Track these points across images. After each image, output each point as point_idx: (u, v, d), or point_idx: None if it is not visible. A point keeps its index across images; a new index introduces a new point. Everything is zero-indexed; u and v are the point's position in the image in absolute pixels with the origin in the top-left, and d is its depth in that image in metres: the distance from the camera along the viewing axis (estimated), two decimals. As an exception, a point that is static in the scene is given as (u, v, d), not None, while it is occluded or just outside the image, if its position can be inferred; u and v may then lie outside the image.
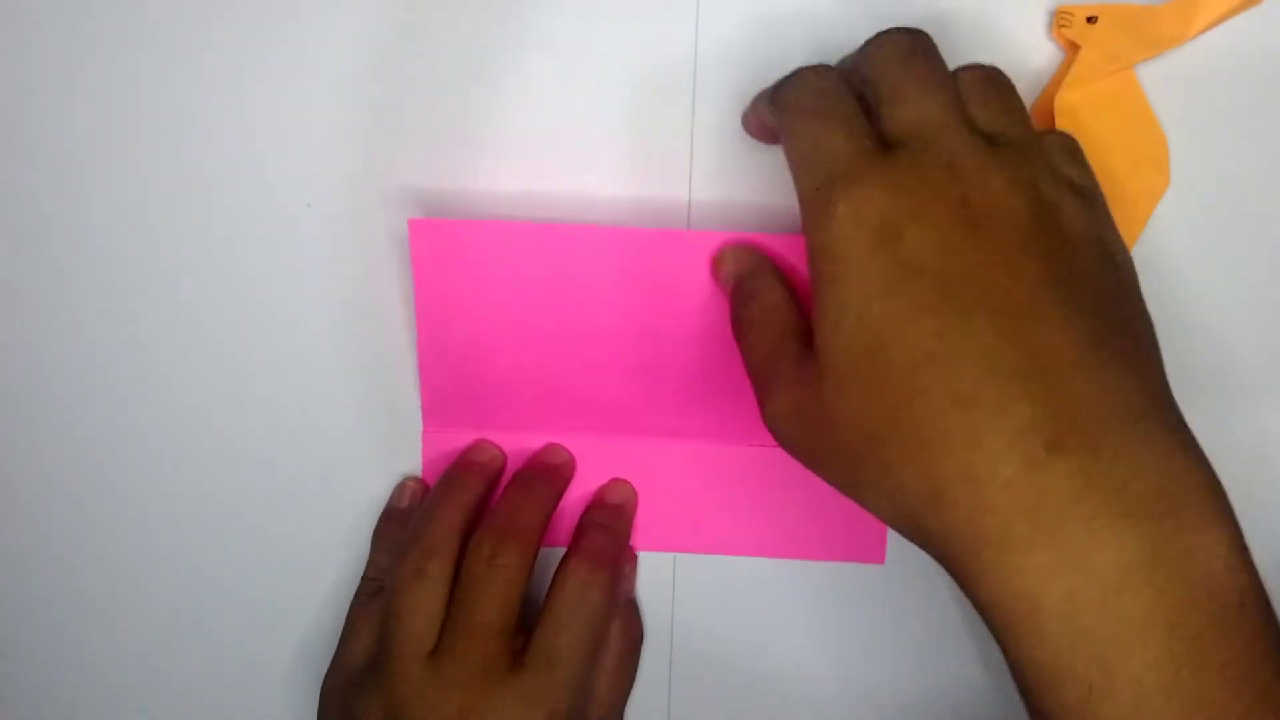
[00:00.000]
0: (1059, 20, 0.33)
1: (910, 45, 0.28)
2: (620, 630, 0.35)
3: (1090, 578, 0.22)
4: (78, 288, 0.37)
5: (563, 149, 0.35)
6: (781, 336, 0.29)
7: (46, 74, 0.36)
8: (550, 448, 0.36)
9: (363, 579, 0.36)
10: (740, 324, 0.30)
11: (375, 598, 0.34)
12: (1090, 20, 0.33)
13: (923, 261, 0.25)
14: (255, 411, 0.37)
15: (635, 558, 0.37)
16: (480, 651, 0.31)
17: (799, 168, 0.27)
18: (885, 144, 0.26)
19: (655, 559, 0.37)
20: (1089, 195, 0.27)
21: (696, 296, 0.33)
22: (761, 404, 0.28)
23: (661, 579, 0.37)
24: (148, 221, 0.36)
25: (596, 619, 0.33)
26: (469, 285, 0.33)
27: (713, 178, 0.35)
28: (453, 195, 0.36)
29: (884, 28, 0.29)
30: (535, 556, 0.33)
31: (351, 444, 0.37)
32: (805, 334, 0.28)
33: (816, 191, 0.26)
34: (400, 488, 0.36)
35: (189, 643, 0.38)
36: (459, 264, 0.33)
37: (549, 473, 0.35)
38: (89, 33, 0.36)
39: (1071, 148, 0.28)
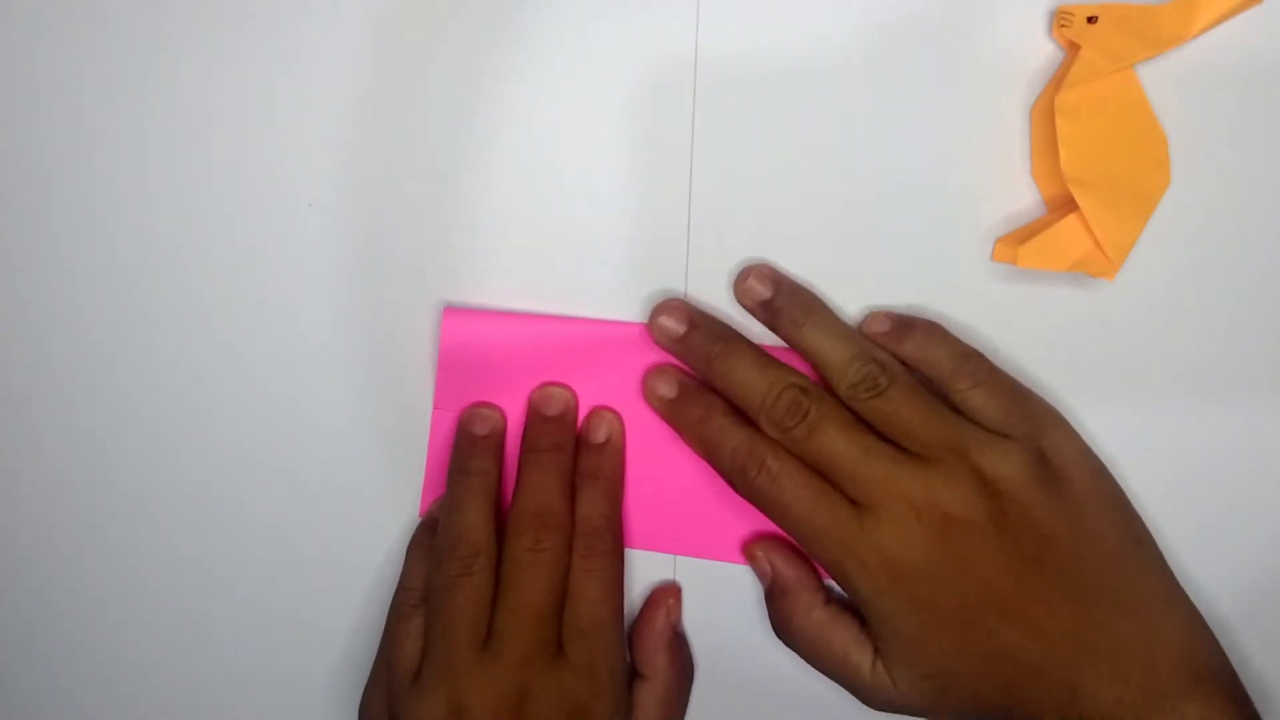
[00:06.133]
0: (1059, 20, 0.33)
1: (856, 431, 0.32)
2: (666, 663, 0.35)
3: None
4: (79, 287, 0.37)
5: (563, 148, 0.35)
6: (839, 648, 0.33)
7: (50, 76, 0.36)
8: (547, 398, 0.35)
9: (401, 589, 0.35)
10: (788, 638, 0.34)
11: (418, 608, 0.34)
12: (1090, 20, 0.33)
13: (935, 598, 0.31)
14: (256, 411, 0.37)
15: (679, 591, 0.37)
16: (535, 633, 0.33)
17: (805, 546, 0.33)
18: (853, 502, 0.32)
19: (655, 559, 0.37)
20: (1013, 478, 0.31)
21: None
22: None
23: (661, 579, 0.37)
24: (149, 221, 0.36)
25: (607, 582, 0.34)
26: (490, 367, 0.35)
27: (713, 177, 0.35)
28: (452, 195, 0.36)
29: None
30: (572, 528, 0.34)
31: (356, 443, 0.37)
32: (853, 626, 0.33)
33: (838, 560, 0.32)
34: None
35: (189, 642, 0.38)
36: (484, 350, 0.35)
37: (557, 432, 0.35)
38: (91, 36, 0.36)
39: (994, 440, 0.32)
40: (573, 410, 0.36)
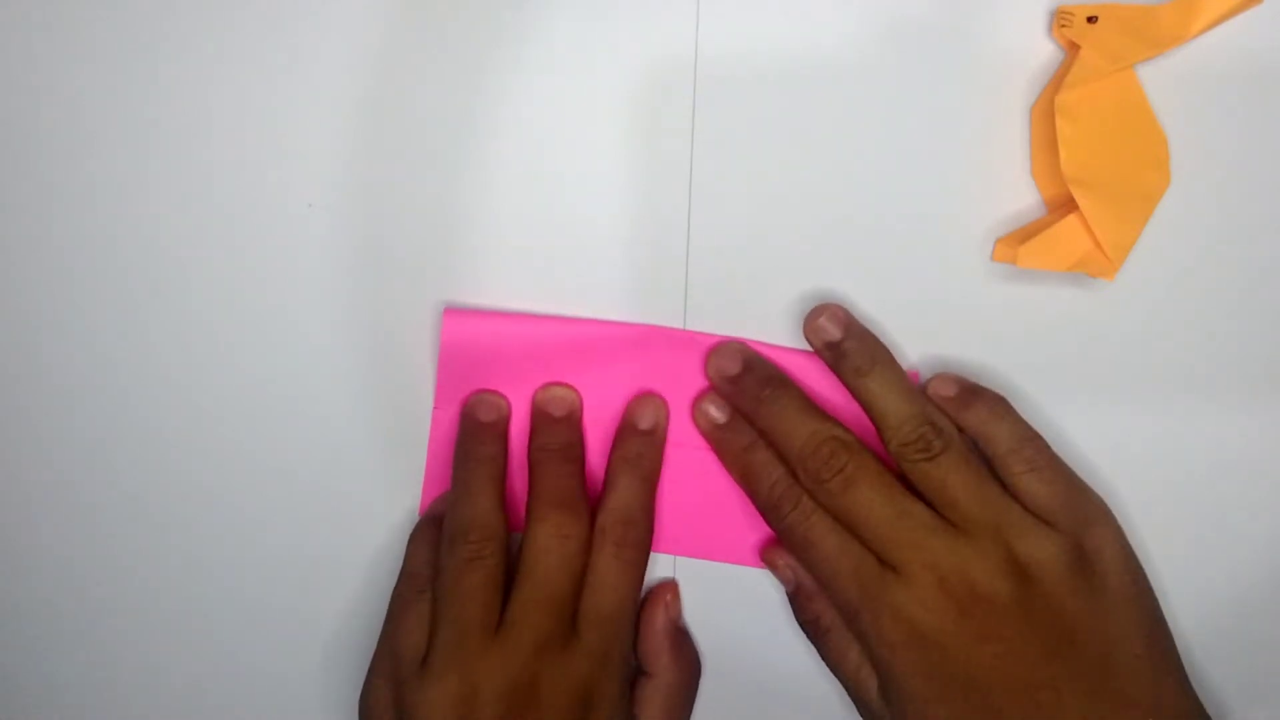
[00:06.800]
0: (1059, 20, 0.33)
1: (886, 488, 0.32)
2: (670, 660, 0.35)
3: None
4: (79, 287, 0.37)
5: (562, 148, 0.35)
6: (854, 661, 0.33)
7: (50, 76, 0.36)
8: (553, 399, 0.36)
9: (405, 577, 0.35)
10: (812, 638, 0.35)
11: (424, 594, 0.34)
12: (1090, 20, 0.33)
13: (945, 667, 0.31)
14: (256, 411, 0.37)
15: (676, 587, 0.37)
16: (551, 620, 0.32)
17: (826, 586, 0.33)
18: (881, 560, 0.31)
19: (655, 559, 0.37)
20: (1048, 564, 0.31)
21: (698, 389, 0.36)
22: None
23: (661, 579, 0.37)
24: (149, 221, 0.36)
25: (636, 571, 0.34)
26: (490, 368, 0.35)
27: (713, 177, 0.35)
28: (452, 195, 0.36)
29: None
30: (592, 518, 0.34)
31: (356, 443, 0.37)
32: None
33: (855, 609, 0.32)
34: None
35: (190, 642, 0.38)
36: (484, 350, 0.35)
37: (567, 431, 0.35)
38: (91, 36, 0.36)
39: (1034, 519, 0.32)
40: (578, 411, 0.36)
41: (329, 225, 0.36)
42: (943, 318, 0.35)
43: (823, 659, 0.34)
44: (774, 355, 0.35)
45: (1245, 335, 0.34)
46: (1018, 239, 0.33)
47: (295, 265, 0.36)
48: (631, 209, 0.35)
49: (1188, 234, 0.34)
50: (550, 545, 0.33)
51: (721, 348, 0.35)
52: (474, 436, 0.35)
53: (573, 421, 0.36)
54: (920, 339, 0.35)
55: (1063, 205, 0.34)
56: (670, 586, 0.36)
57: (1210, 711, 0.31)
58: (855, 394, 0.33)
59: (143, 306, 0.37)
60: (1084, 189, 0.32)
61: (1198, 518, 0.35)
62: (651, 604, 0.36)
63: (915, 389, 0.33)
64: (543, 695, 0.32)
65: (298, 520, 0.37)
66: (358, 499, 0.37)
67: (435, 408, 0.36)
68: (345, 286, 0.36)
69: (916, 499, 0.32)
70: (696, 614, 0.37)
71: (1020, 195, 0.35)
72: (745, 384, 0.34)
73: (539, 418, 0.36)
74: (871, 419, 0.33)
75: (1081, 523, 0.32)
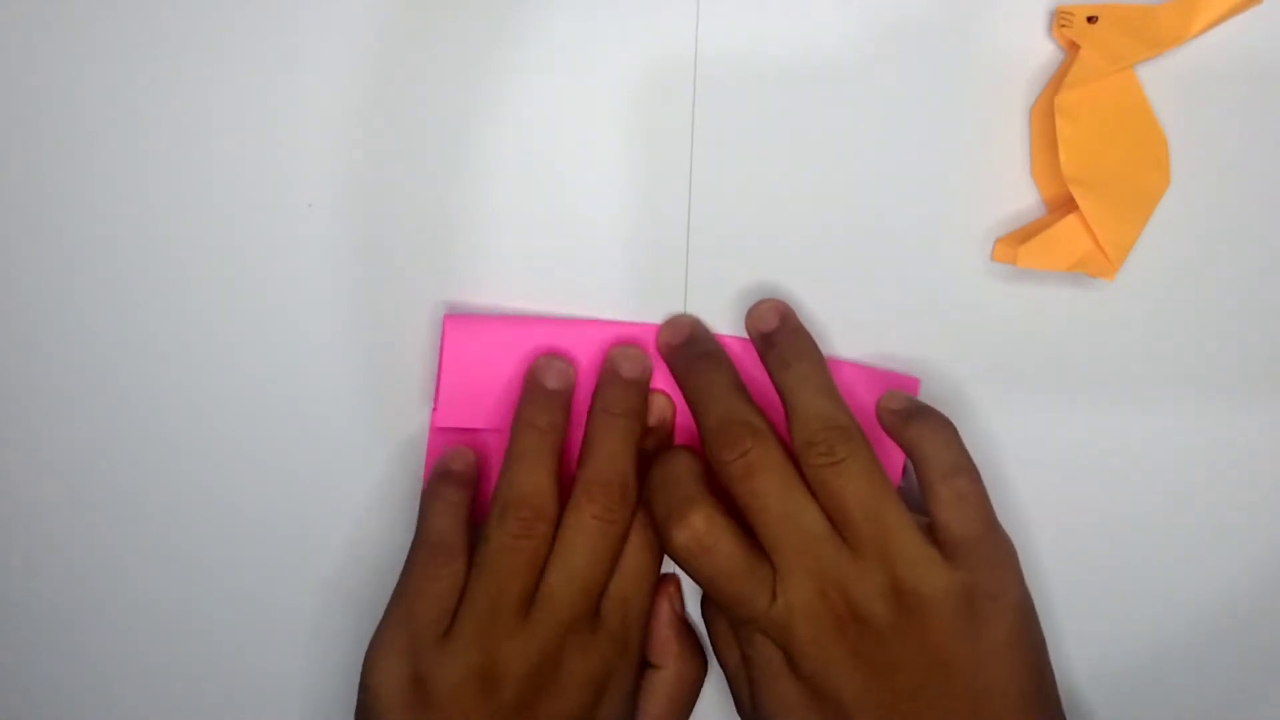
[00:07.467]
0: (1059, 20, 0.33)
1: (783, 480, 0.31)
2: (677, 652, 0.35)
3: None
4: (79, 287, 0.37)
5: (562, 148, 0.35)
6: (736, 661, 0.34)
7: (50, 76, 0.36)
8: (624, 357, 0.34)
9: (426, 545, 0.33)
10: (708, 626, 0.35)
11: (451, 563, 0.33)
12: (1090, 20, 0.33)
13: (816, 678, 0.30)
14: (256, 411, 0.37)
15: (679, 581, 0.36)
16: (582, 602, 0.32)
17: (717, 600, 0.32)
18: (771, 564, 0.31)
19: (655, 559, 0.37)
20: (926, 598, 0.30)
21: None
22: None
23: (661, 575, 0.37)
24: (149, 221, 0.36)
25: (659, 556, 0.34)
26: (492, 372, 0.35)
27: (713, 177, 0.35)
28: (452, 195, 0.36)
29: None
30: (638, 500, 0.33)
31: (355, 442, 0.37)
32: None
33: (739, 622, 0.32)
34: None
35: (190, 643, 0.38)
36: (486, 354, 0.35)
37: (635, 398, 0.34)
38: (91, 36, 0.36)
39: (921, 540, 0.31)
40: (648, 366, 0.35)
41: (329, 225, 0.36)
42: (943, 318, 0.35)
43: (711, 644, 0.35)
44: (739, 346, 0.35)
45: (1245, 335, 0.34)
46: (1018, 239, 0.33)
47: (295, 265, 0.36)
48: (631, 209, 0.35)
49: (1188, 234, 0.34)
50: (592, 527, 0.32)
51: (671, 320, 0.35)
52: (540, 403, 0.34)
53: (641, 387, 0.35)
54: (920, 339, 0.35)
55: (1063, 205, 0.34)
56: (672, 580, 0.36)
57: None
58: (776, 387, 0.33)
59: (143, 306, 0.37)
60: (1084, 189, 0.32)
61: (1198, 518, 0.35)
62: (656, 597, 0.36)
63: (837, 393, 0.32)
64: (563, 676, 0.32)
65: (298, 521, 0.37)
66: (358, 499, 0.37)
67: (434, 417, 0.36)
68: (345, 286, 0.36)
69: (814, 503, 0.31)
70: (693, 611, 0.37)
71: (1020, 195, 0.35)
72: (681, 353, 0.34)
73: (610, 377, 0.34)
74: (785, 414, 0.32)
75: (983, 563, 0.31)
